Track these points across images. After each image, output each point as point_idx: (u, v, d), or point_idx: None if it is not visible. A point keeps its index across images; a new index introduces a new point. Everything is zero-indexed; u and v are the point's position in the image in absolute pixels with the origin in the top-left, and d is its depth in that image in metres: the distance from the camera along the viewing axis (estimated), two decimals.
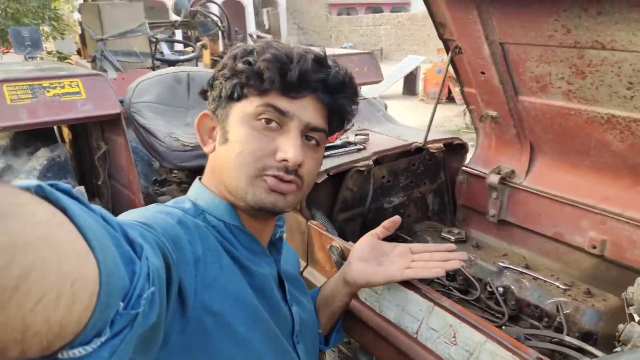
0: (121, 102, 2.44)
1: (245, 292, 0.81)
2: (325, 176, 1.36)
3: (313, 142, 0.86)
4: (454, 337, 0.99)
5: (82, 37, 4.53)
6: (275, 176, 0.81)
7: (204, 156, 2.48)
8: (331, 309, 1.10)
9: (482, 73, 1.52)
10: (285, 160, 0.80)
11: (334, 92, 0.84)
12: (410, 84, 11.49)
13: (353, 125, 1.69)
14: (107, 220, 0.48)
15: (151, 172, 2.99)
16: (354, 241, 1.54)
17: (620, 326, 1.01)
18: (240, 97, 0.81)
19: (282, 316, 0.90)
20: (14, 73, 2.00)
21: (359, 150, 1.53)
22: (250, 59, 0.80)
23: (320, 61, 0.82)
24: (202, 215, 0.83)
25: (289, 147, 0.80)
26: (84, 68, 2.71)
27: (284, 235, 1.00)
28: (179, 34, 6.72)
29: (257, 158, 0.80)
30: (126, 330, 0.44)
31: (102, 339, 0.41)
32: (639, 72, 1.18)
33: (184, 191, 2.62)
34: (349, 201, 1.49)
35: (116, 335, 0.43)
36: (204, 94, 0.90)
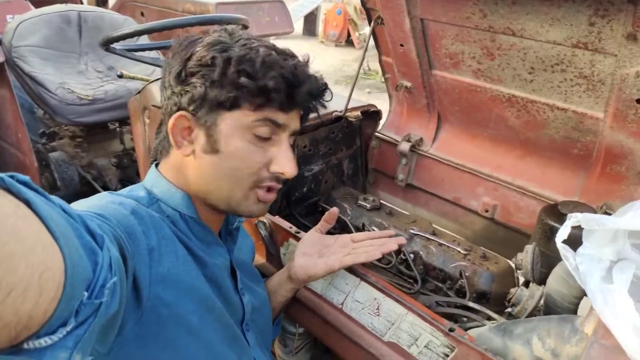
0: None
1: (199, 281, 0.82)
2: None
3: (291, 140, 0.89)
4: (378, 309, 1.08)
5: None
6: (266, 187, 0.85)
7: (104, 110, 2.34)
8: (273, 303, 1.13)
9: (401, 45, 1.56)
10: (281, 173, 0.84)
11: (316, 100, 0.87)
12: (310, 24, 11.32)
13: None
14: (67, 212, 0.48)
15: (34, 121, 2.68)
16: (276, 210, 1.58)
17: (512, 290, 1.17)
18: (232, 107, 0.79)
19: (233, 305, 0.92)
20: None
21: None
22: (250, 70, 0.76)
23: (317, 78, 0.85)
24: (156, 204, 0.83)
25: (286, 162, 0.83)
26: None
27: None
28: None
29: (254, 172, 0.82)
30: (90, 319, 0.45)
31: (67, 328, 0.42)
32: (541, 60, 1.29)
33: (79, 146, 2.43)
34: None
35: (80, 325, 0.44)
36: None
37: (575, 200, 1.43)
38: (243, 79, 0.76)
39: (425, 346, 1.01)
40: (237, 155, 0.80)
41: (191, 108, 0.80)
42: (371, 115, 1.79)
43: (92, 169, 2.43)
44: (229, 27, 0.85)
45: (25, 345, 0.39)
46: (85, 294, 0.45)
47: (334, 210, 1.11)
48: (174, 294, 0.75)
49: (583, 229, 0.94)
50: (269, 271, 1.26)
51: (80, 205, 0.69)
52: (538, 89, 1.37)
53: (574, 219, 0.94)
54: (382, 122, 1.87)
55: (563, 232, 0.95)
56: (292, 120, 0.84)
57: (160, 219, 0.80)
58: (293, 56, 0.84)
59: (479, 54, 1.40)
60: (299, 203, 1.63)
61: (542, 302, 1.14)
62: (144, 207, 0.80)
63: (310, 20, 11.30)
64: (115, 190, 0.89)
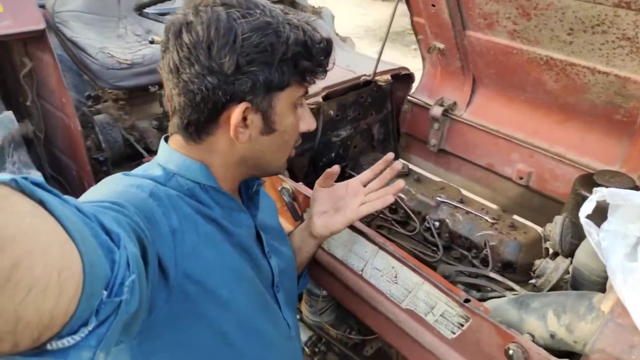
0: (41, 6, 2.20)
1: (227, 253, 0.83)
2: None
3: None
4: (396, 277, 1.10)
5: None
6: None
7: (143, 74, 2.35)
8: (299, 259, 1.15)
9: (433, 5, 1.50)
10: (309, 130, 0.90)
11: None
12: None
13: None
14: (82, 211, 0.48)
15: (82, 84, 2.78)
16: (303, 176, 1.60)
17: (537, 261, 1.16)
18: (285, 87, 0.80)
19: (262, 269, 0.94)
20: None
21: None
22: (305, 52, 0.78)
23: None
24: (174, 179, 0.82)
25: (310, 120, 0.90)
26: None
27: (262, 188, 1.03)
28: None
29: (295, 138, 0.90)
30: (111, 318, 0.45)
31: (89, 327, 0.42)
32: (580, 20, 1.21)
33: (122, 109, 2.51)
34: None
35: (102, 324, 0.44)
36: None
37: (614, 169, 1.36)
38: (304, 62, 0.79)
39: (441, 315, 1.02)
40: (290, 129, 0.85)
41: (249, 96, 0.78)
42: (403, 78, 1.75)
43: (135, 131, 2.51)
44: None
45: (48, 346, 0.39)
46: (105, 292, 0.45)
47: (335, 168, 1.10)
48: (202, 270, 0.76)
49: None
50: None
51: (96, 192, 0.70)
52: (578, 51, 1.29)
53: (599, 193, 0.90)
54: (415, 84, 1.83)
55: (587, 207, 0.92)
56: None
57: (178, 196, 0.79)
58: (314, 27, 0.85)
59: (515, 14, 1.33)
60: (326, 169, 1.63)
61: (569, 275, 1.11)
62: (162, 186, 0.79)
63: None
64: (155, 152, 0.90)
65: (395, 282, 1.10)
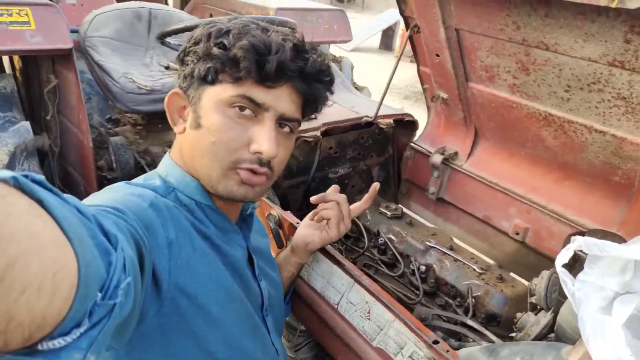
0: (76, 32, 2.34)
1: (219, 271, 0.82)
2: None
3: (286, 129, 0.83)
4: (369, 312, 1.07)
5: None
6: (248, 169, 0.80)
7: (160, 101, 2.42)
8: (284, 276, 1.15)
9: (437, 55, 1.54)
10: (259, 153, 0.78)
11: (311, 81, 0.81)
12: (387, 38, 11.30)
13: None
14: (82, 211, 0.48)
15: (107, 107, 2.91)
16: (296, 208, 1.60)
17: (519, 314, 1.12)
18: (214, 81, 0.78)
19: (252, 292, 0.93)
20: None
21: (309, 119, 1.54)
22: (226, 42, 0.76)
23: (299, 49, 0.79)
24: (173, 193, 0.82)
25: (264, 140, 0.78)
26: None
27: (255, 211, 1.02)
28: None
29: (232, 150, 0.78)
30: (104, 320, 0.45)
31: (81, 329, 0.42)
32: (577, 77, 1.23)
33: (138, 134, 2.59)
34: (294, 169, 1.52)
35: (94, 326, 0.43)
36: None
37: (609, 230, 1.33)
38: (215, 49, 0.76)
39: (409, 356, 0.98)
40: (215, 129, 0.78)
41: (184, 86, 0.81)
42: (407, 124, 1.78)
43: (147, 155, 2.58)
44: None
45: (39, 347, 0.39)
46: (99, 294, 0.44)
47: (334, 188, 1.11)
48: (194, 285, 0.75)
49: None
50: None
51: (99, 197, 0.69)
52: (575, 108, 1.30)
53: (576, 242, 0.88)
54: (419, 132, 1.85)
55: (564, 255, 0.89)
56: (276, 101, 0.79)
57: (177, 209, 0.79)
58: (281, 33, 0.80)
59: (514, 68, 1.35)
60: None
61: (552, 331, 1.07)
62: (161, 197, 0.78)
63: (388, 35, 11.29)
64: None
65: (368, 318, 1.07)
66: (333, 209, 1.06)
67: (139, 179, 0.86)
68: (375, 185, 1.13)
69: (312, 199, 1.09)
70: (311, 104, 0.87)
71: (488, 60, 1.41)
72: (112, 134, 2.58)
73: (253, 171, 0.80)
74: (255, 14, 2.67)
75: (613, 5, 0.89)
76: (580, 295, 0.84)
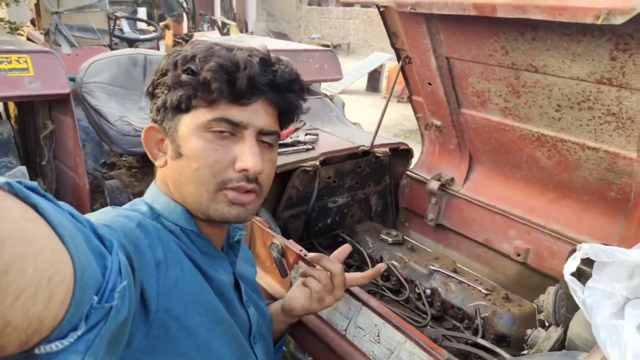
0: (73, 80, 2.38)
1: (206, 293, 0.81)
2: None
3: (267, 142, 0.84)
4: (378, 335, 1.06)
5: (37, 6, 4.34)
6: (235, 188, 0.79)
7: None
8: (275, 329, 1.12)
9: (429, 84, 1.59)
10: (245, 170, 0.78)
11: (283, 92, 0.82)
12: (374, 80, 11.58)
13: (304, 124, 1.73)
14: (75, 217, 0.48)
15: (100, 153, 2.92)
16: (297, 238, 1.60)
17: (529, 331, 1.11)
18: (188, 109, 0.77)
19: (240, 318, 0.91)
20: None
21: (307, 150, 1.57)
22: (193, 67, 0.76)
23: (266, 62, 0.79)
24: (158, 220, 0.82)
25: (248, 156, 0.78)
26: (34, 44, 2.61)
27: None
28: (143, 12, 6.54)
29: (216, 172, 0.78)
30: (101, 324, 0.45)
31: (78, 332, 0.42)
32: (567, 97, 1.27)
33: (134, 176, 2.60)
34: (294, 199, 1.52)
35: (91, 329, 0.43)
36: (149, 95, 0.83)
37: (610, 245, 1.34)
38: (184, 76, 0.76)
39: None
40: (196, 155, 0.78)
41: (158, 119, 0.81)
42: (402, 153, 1.81)
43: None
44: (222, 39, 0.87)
45: (36, 350, 0.39)
46: (95, 298, 0.44)
47: (346, 247, 1.08)
48: (182, 306, 0.74)
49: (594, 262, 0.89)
50: (278, 292, 1.27)
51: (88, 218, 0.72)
52: (567, 127, 1.34)
53: (582, 250, 0.89)
54: (415, 160, 1.87)
55: (571, 264, 0.90)
56: (253, 116, 0.79)
57: (166, 232, 0.80)
58: (246, 50, 0.81)
59: (505, 92, 1.40)
60: (322, 234, 1.64)
61: (563, 346, 1.06)
62: (149, 220, 0.78)
63: (375, 77, 11.57)
64: None
65: (377, 341, 1.06)
66: (321, 280, 1.00)
67: (125, 206, 0.85)
68: (381, 266, 1.09)
69: (309, 256, 1.07)
70: (287, 114, 0.87)
71: (479, 85, 1.45)
72: (107, 177, 2.59)
73: (241, 189, 0.80)
74: None
75: (599, 22, 0.94)
76: (590, 302, 0.84)
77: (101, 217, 0.71)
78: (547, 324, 1.18)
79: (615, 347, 0.75)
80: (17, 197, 0.39)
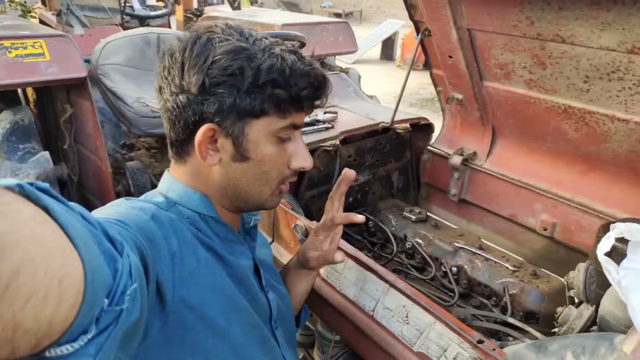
0: (87, 61, 2.37)
1: (224, 282, 0.82)
2: None
3: None
4: (407, 316, 1.06)
5: None
6: (288, 182, 0.89)
7: None
8: (295, 291, 1.13)
9: (450, 57, 1.54)
10: (302, 168, 0.87)
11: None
12: (388, 49, 11.36)
13: None
14: (87, 219, 0.48)
15: (119, 134, 2.94)
16: (319, 218, 1.59)
17: (559, 309, 1.10)
18: (259, 115, 0.79)
19: (260, 303, 0.92)
20: None
21: (327, 129, 1.55)
22: (281, 80, 0.77)
23: (319, 73, 0.84)
24: (174, 208, 0.82)
25: (306, 157, 0.87)
26: (48, 28, 2.60)
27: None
28: None
29: (280, 173, 0.86)
30: (111, 326, 0.45)
31: (89, 335, 0.42)
32: (595, 67, 1.22)
33: (154, 157, 2.62)
34: (315, 179, 1.52)
35: (102, 332, 0.43)
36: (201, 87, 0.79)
37: None
38: (278, 91, 0.77)
39: (454, 358, 0.97)
40: (267, 160, 0.82)
41: (217, 118, 0.79)
42: (422, 128, 1.78)
43: None
44: (234, 24, 0.83)
45: (47, 354, 0.39)
46: (106, 300, 0.45)
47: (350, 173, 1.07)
48: (199, 296, 0.75)
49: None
50: None
51: (100, 213, 0.69)
52: (595, 99, 1.29)
53: (616, 229, 0.87)
54: (435, 135, 1.84)
55: (605, 244, 0.88)
56: (302, 118, 0.86)
57: (180, 221, 0.80)
58: (306, 59, 0.83)
59: (530, 63, 1.35)
60: (345, 212, 1.63)
61: (594, 324, 1.05)
62: (163, 210, 0.79)
63: (389, 45, 11.35)
64: None
65: (406, 322, 1.06)
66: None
67: (141, 198, 0.85)
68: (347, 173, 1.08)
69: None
70: None
71: (502, 57, 1.41)
72: (127, 159, 2.61)
73: (289, 182, 0.90)
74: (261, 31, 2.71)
75: None
76: (626, 282, 0.83)
77: (114, 210, 0.72)
78: (577, 301, 1.18)
79: None
80: (29, 199, 0.39)
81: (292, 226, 1.31)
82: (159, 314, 0.68)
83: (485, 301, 1.30)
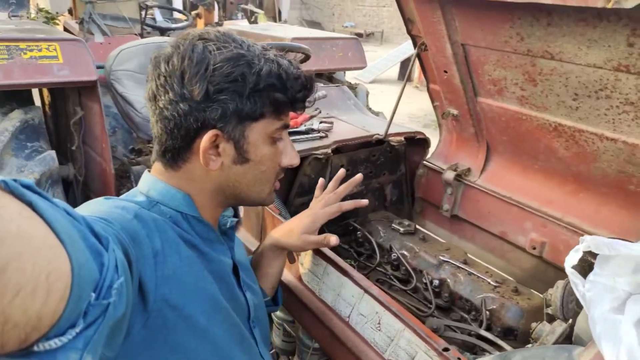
0: (102, 67, 2.46)
1: (205, 280, 0.83)
2: None
3: None
4: (379, 323, 1.06)
5: None
6: (279, 179, 0.96)
7: None
8: (271, 273, 1.17)
9: (445, 72, 1.56)
10: (291, 165, 0.94)
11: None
12: (406, 69, 11.41)
13: (320, 112, 1.73)
14: (71, 214, 0.48)
15: (130, 140, 3.01)
16: None
17: (533, 324, 1.09)
18: (258, 118, 0.83)
19: (238, 302, 0.94)
20: None
21: (321, 137, 1.57)
22: (279, 84, 0.82)
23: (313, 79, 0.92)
24: (156, 207, 0.83)
25: (293, 155, 0.94)
26: (64, 33, 2.70)
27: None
28: (179, 2, 6.64)
29: (275, 171, 0.92)
30: (99, 320, 0.45)
31: (77, 329, 0.42)
32: (584, 85, 1.23)
33: None
34: (305, 187, 1.54)
35: (89, 326, 0.44)
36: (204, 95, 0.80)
37: (628, 240, 1.30)
38: (277, 94, 0.83)
39: None
40: (265, 160, 0.88)
41: (220, 124, 0.80)
42: (419, 142, 1.79)
43: None
44: (223, 30, 0.86)
45: (35, 348, 0.39)
46: (93, 294, 0.45)
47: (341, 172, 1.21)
48: (180, 295, 0.75)
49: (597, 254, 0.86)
50: (286, 278, 1.29)
51: (82, 211, 0.67)
52: (584, 117, 1.29)
53: (584, 243, 0.86)
54: (432, 150, 1.85)
55: (573, 257, 0.88)
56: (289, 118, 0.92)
57: (164, 221, 0.80)
58: (294, 62, 0.88)
59: (522, 80, 1.36)
60: (334, 222, 1.64)
61: (569, 340, 1.04)
62: (146, 210, 0.79)
63: (407, 66, 11.42)
64: None
65: (379, 329, 1.06)
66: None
67: (122, 196, 0.86)
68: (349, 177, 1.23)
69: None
70: None
71: (495, 73, 1.42)
72: (134, 163, 2.67)
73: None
74: None
75: (609, 5, 0.90)
76: (591, 295, 0.82)
77: (97, 208, 0.72)
78: (555, 318, 1.16)
79: (609, 342, 0.73)
80: (13, 195, 0.39)
81: None
82: (140, 313, 0.69)
83: (465, 315, 1.29)
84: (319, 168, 1.53)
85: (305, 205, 1.57)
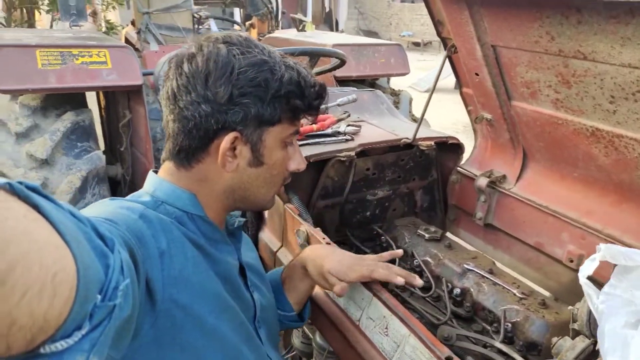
0: (150, 74, 2.58)
1: (211, 280, 0.84)
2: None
3: None
4: (386, 328, 1.04)
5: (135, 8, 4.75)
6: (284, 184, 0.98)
7: None
8: (300, 288, 1.17)
9: (476, 74, 1.51)
10: (297, 170, 0.96)
11: None
12: None
13: (349, 115, 1.73)
14: (76, 216, 0.49)
15: None
16: (333, 230, 1.60)
17: (554, 339, 1.02)
18: (276, 123, 0.86)
19: (245, 302, 0.94)
20: (49, 39, 2.16)
21: (346, 140, 1.56)
22: (298, 91, 0.86)
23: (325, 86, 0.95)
24: (162, 207, 0.83)
25: (301, 160, 0.96)
26: (114, 40, 2.86)
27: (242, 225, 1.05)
28: (237, 13, 6.86)
29: (284, 175, 0.95)
30: (105, 322, 0.45)
31: (83, 331, 0.43)
32: (620, 87, 1.14)
33: None
34: (329, 189, 1.53)
35: (95, 328, 0.44)
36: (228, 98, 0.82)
37: None
38: (296, 101, 0.86)
39: None
40: (277, 164, 0.90)
41: (240, 127, 0.82)
42: (452, 148, 1.74)
43: None
44: (245, 35, 0.92)
45: (42, 350, 0.39)
46: (99, 296, 0.45)
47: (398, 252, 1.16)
48: (188, 295, 0.76)
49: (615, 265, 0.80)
50: None
51: (88, 212, 0.70)
52: (623, 121, 1.20)
53: (601, 252, 0.80)
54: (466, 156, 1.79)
55: (588, 267, 0.82)
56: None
57: (170, 221, 0.81)
58: (308, 69, 0.92)
59: (555, 82, 1.29)
60: (359, 226, 1.63)
61: (593, 357, 0.96)
62: (151, 210, 0.80)
63: None
64: None
65: (386, 334, 1.04)
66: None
67: (128, 197, 0.87)
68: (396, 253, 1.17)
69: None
70: None
71: (528, 75, 1.36)
72: None
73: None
74: None
75: None
76: (604, 308, 0.76)
77: (103, 209, 0.73)
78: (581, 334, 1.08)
79: (616, 358, 0.67)
80: (19, 198, 0.40)
81: (295, 231, 1.32)
82: (148, 313, 0.70)
83: (487, 327, 1.23)
84: (343, 171, 1.52)
85: (329, 208, 1.57)
